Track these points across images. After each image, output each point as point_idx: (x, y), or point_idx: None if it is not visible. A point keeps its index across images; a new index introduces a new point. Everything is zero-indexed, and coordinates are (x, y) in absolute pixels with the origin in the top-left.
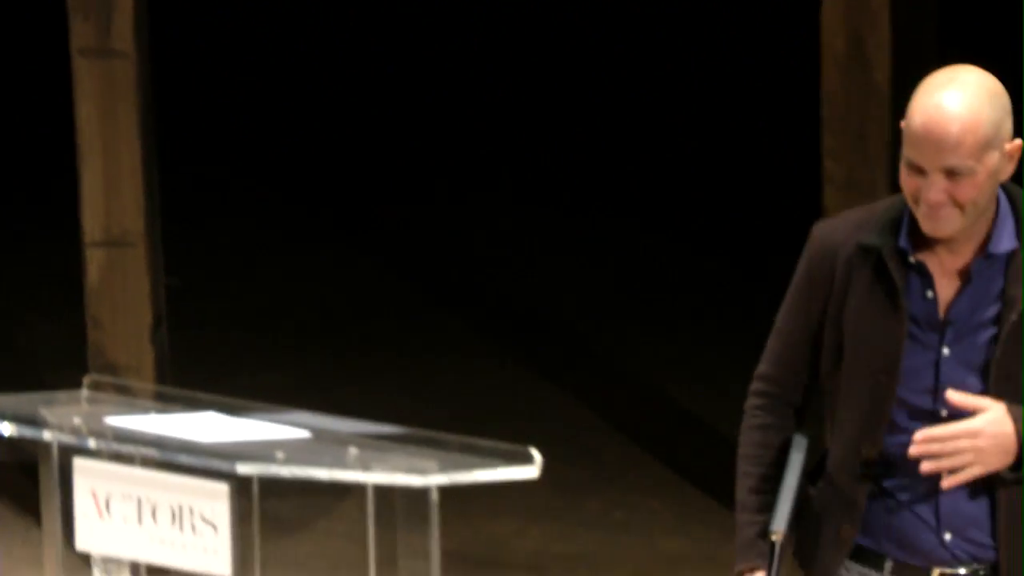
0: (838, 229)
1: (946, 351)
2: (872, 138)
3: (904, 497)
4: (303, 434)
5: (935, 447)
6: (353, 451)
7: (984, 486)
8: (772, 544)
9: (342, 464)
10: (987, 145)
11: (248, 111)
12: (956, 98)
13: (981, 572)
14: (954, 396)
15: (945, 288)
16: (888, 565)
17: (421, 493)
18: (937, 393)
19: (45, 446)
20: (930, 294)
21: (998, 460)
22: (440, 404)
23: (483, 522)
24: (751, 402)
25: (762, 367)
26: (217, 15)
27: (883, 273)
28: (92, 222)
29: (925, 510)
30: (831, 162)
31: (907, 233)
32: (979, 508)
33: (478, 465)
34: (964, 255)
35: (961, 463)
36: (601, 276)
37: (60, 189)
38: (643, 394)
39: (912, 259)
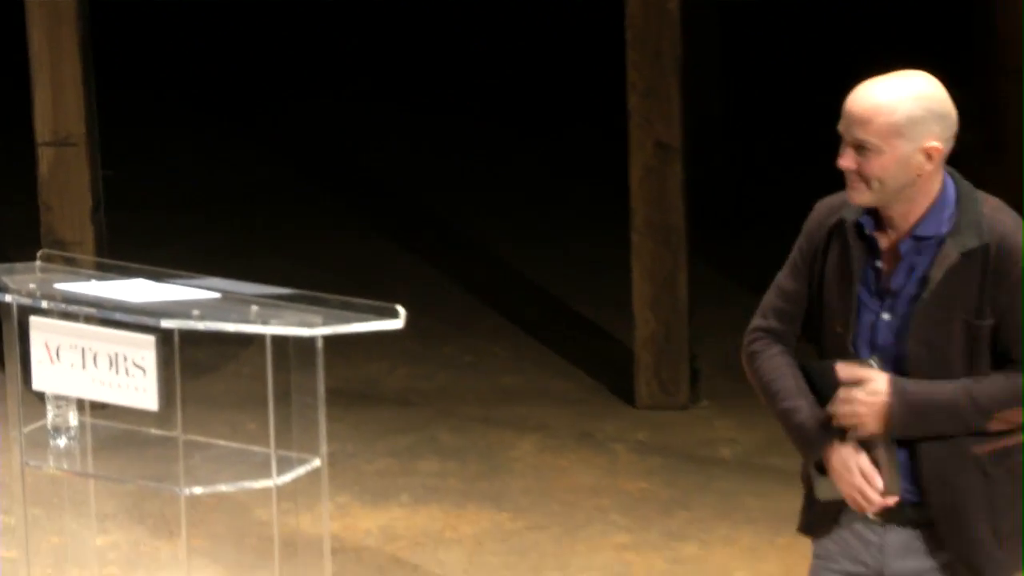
0: (832, 205)
1: (885, 316)
2: (666, 55)
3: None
4: (214, 295)
5: (833, 407)
6: (255, 308)
7: (906, 442)
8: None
9: (246, 319)
10: (896, 132)
11: (168, 34)
12: (884, 86)
13: (910, 512)
14: (841, 370)
15: (887, 262)
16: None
17: (309, 342)
18: (874, 351)
19: (6, 307)
20: (879, 264)
21: (875, 426)
22: (325, 269)
23: (360, 364)
24: (755, 346)
25: (762, 322)
26: None
27: (848, 244)
28: (42, 127)
29: (887, 459)
30: (634, 73)
31: (868, 210)
32: (903, 460)
33: (355, 319)
34: (899, 235)
35: (849, 424)
36: (448, 162)
37: (15, 101)
38: (487, 259)
39: (868, 232)
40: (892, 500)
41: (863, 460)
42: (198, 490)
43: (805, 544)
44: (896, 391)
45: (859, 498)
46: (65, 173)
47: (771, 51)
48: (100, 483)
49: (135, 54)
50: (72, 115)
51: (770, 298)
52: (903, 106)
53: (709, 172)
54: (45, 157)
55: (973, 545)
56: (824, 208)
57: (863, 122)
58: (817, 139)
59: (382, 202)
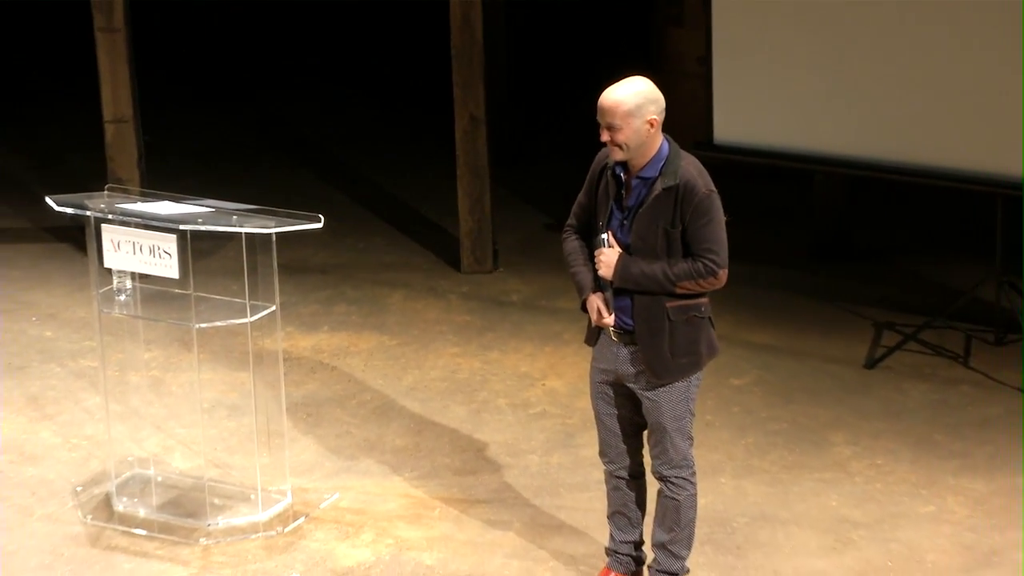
0: (605, 154)
1: (625, 222)
2: (475, 63)
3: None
4: (210, 210)
5: (597, 256)
6: (235, 217)
7: (628, 294)
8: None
9: (229, 223)
10: (629, 115)
11: (184, 51)
12: (619, 89)
13: (628, 337)
14: (604, 236)
15: (627, 191)
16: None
17: (268, 237)
18: (616, 239)
19: (88, 219)
20: (624, 193)
21: (606, 272)
22: (275, 193)
23: (297, 249)
24: (564, 235)
25: (569, 221)
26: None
27: (608, 179)
28: (107, 110)
29: (609, 299)
30: (456, 74)
31: (620, 162)
32: (627, 303)
33: (294, 223)
34: (633, 175)
35: (597, 267)
36: (352, 129)
37: (91, 97)
38: (371, 186)
39: (618, 174)
40: (612, 320)
41: (599, 300)
42: (204, 325)
43: (563, 351)
44: (620, 256)
45: (596, 319)
46: (121, 139)
47: (542, 55)
48: (145, 322)
49: (164, 65)
50: (124, 103)
51: (574, 207)
52: (631, 99)
53: (502, 132)
54: (109, 129)
55: (657, 359)
56: (601, 155)
57: (611, 112)
58: (572, 109)
59: (308, 153)
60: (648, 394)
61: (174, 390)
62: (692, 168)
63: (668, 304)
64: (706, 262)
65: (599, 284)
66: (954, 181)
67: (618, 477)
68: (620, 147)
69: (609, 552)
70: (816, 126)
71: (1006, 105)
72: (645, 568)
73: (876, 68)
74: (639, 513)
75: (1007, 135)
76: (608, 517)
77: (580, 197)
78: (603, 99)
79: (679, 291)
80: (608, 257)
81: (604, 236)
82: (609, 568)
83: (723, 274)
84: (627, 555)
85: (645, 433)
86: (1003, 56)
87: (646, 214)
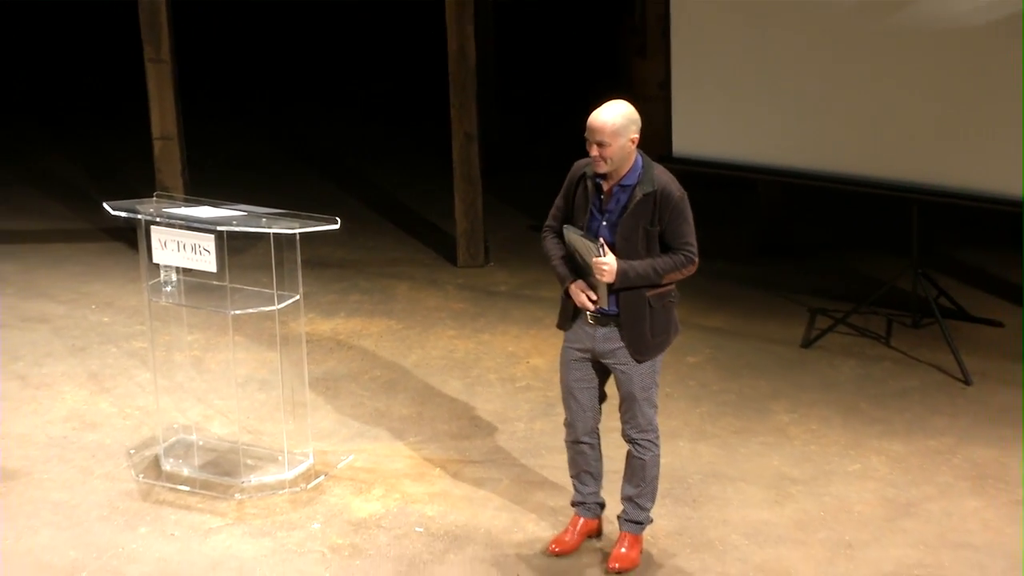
0: (582, 164)
1: (604, 223)
2: (468, 88)
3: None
4: (243, 213)
5: (598, 264)
6: (264, 219)
7: (615, 290)
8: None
9: (259, 225)
10: (616, 134)
11: (219, 78)
12: (606, 111)
13: (612, 322)
14: (603, 247)
15: (606, 196)
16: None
17: (292, 236)
18: (599, 239)
19: (139, 221)
20: (603, 198)
21: (609, 278)
22: (297, 199)
23: (317, 247)
24: (544, 233)
25: (548, 222)
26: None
27: (587, 186)
28: (155, 129)
29: (596, 293)
30: (453, 97)
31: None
32: (612, 297)
33: (314, 224)
34: (612, 184)
35: (599, 274)
36: (363, 142)
37: (142, 116)
38: (379, 192)
39: (598, 182)
40: (597, 305)
41: (584, 286)
42: (238, 312)
43: (544, 333)
44: (619, 264)
45: (583, 303)
46: (167, 153)
47: (528, 80)
48: (188, 309)
49: (202, 91)
50: (169, 123)
51: (552, 210)
52: (618, 120)
53: (492, 147)
54: (157, 145)
55: (638, 338)
56: (579, 164)
57: (600, 131)
58: (553, 127)
59: (325, 163)
60: (622, 368)
61: (213, 367)
62: (664, 175)
63: (648, 293)
64: (686, 253)
65: (578, 273)
66: (875, 188)
67: (582, 443)
68: (605, 161)
69: (577, 504)
70: (759, 141)
71: (920, 124)
72: (603, 511)
73: (809, 92)
74: (600, 469)
75: (921, 149)
76: (574, 477)
77: (558, 201)
78: (593, 119)
79: (664, 282)
80: (611, 266)
81: (598, 245)
82: (579, 515)
83: (697, 262)
84: (594, 503)
85: (604, 405)
86: (920, 87)
87: (630, 217)
